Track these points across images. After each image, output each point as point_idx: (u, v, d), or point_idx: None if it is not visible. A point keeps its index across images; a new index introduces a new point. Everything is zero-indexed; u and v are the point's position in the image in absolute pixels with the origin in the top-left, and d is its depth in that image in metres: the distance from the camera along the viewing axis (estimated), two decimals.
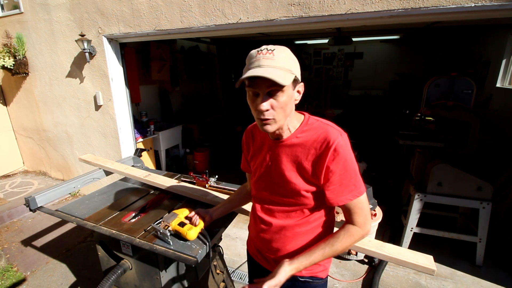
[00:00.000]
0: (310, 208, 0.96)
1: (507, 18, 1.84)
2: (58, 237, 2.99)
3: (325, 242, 0.92)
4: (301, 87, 0.89)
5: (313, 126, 0.93)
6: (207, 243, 1.22)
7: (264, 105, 0.82)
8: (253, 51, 0.84)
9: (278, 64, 0.79)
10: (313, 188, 0.92)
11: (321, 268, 1.04)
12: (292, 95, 0.86)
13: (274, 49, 0.81)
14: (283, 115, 0.85)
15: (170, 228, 1.23)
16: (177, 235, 1.25)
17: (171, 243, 1.21)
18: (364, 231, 0.94)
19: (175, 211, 1.32)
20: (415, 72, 6.74)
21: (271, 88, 0.80)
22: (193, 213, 1.27)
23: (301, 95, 0.91)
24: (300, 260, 0.90)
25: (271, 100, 0.82)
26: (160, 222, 1.28)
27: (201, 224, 1.26)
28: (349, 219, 0.95)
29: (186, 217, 1.29)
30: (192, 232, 1.22)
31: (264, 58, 0.80)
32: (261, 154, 1.04)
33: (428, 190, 2.45)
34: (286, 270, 0.88)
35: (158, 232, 1.25)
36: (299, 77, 0.87)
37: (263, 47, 0.83)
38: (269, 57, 0.80)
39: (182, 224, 1.24)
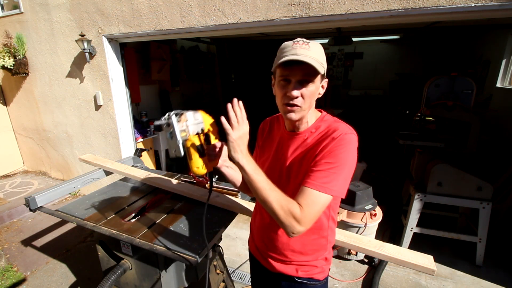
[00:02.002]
0: None
1: (507, 18, 1.84)
2: (58, 237, 2.99)
3: (273, 184, 0.84)
4: (325, 82, 0.93)
5: (328, 122, 0.95)
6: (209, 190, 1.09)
7: (296, 92, 0.85)
8: (288, 42, 0.87)
9: (313, 55, 0.83)
10: None
11: (318, 270, 1.04)
12: (318, 87, 0.90)
13: (309, 42, 0.85)
14: (309, 105, 0.89)
15: (187, 138, 0.90)
16: (186, 153, 0.92)
17: (182, 155, 0.88)
18: (299, 222, 0.79)
19: (202, 112, 0.96)
20: (415, 72, 6.74)
21: (305, 77, 0.84)
22: (219, 144, 1.01)
23: (324, 90, 0.94)
24: (253, 162, 0.84)
25: (302, 88, 0.86)
26: (178, 115, 0.89)
27: (214, 163, 1.00)
28: (297, 201, 0.83)
29: (206, 136, 0.99)
30: (203, 169, 0.95)
31: (301, 48, 0.83)
32: (273, 145, 1.05)
33: (428, 190, 2.45)
34: (242, 147, 0.83)
35: (169, 134, 0.89)
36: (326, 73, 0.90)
37: (299, 38, 0.86)
38: (306, 48, 0.83)
39: (200, 149, 0.93)
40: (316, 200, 0.81)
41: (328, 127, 0.92)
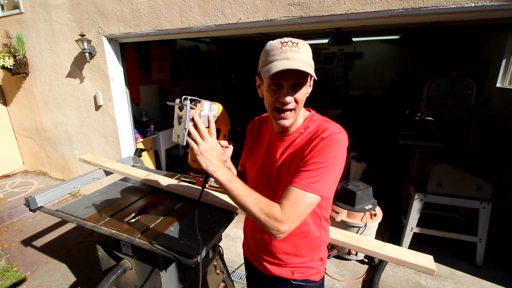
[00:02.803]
0: None
1: (507, 18, 1.84)
2: (58, 237, 2.99)
3: (251, 190, 0.83)
4: (312, 81, 0.90)
5: (317, 122, 0.93)
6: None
7: (289, 98, 0.83)
8: (275, 42, 0.82)
9: (304, 58, 0.80)
10: None
11: (314, 271, 1.03)
12: (308, 88, 0.88)
13: (298, 42, 0.81)
14: (300, 107, 0.88)
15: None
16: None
17: (184, 144, 0.85)
18: (283, 220, 0.77)
19: (219, 106, 0.93)
20: (415, 72, 6.74)
21: (297, 81, 0.82)
22: (225, 143, 0.99)
23: (311, 89, 0.91)
24: (226, 171, 0.83)
25: (294, 93, 0.84)
26: (194, 102, 0.84)
27: None
28: (281, 201, 0.82)
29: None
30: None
31: (291, 51, 0.79)
32: (262, 147, 1.04)
33: (428, 190, 2.45)
34: (212, 159, 0.82)
35: (178, 119, 0.85)
36: None
37: (287, 39, 0.82)
38: (296, 50, 0.80)
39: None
40: (301, 200, 0.79)
41: (318, 127, 0.90)
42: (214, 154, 0.83)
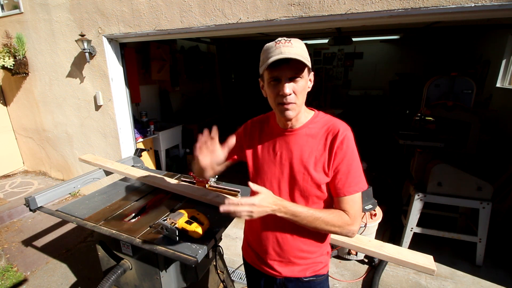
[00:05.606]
0: (324, 200, 0.97)
1: (507, 18, 1.85)
2: (58, 237, 2.99)
3: (315, 209, 0.91)
4: (312, 76, 0.96)
5: (323, 119, 0.99)
6: (215, 241, 1.25)
7: (288, 90, 0.87)
8: (270, 43, 0.89)
9: (297, 51, 0.86)
10: (327, 179, 0.95)
11: (322, 265, 1.07)
12: (307, 81, 0.93)
13: (290, 40, 0.88)
14: (302, 100, 0.92)
15: (177, 225, 1.25)
16: (183, 233, 1.27)
17: (178, 239, 1.23)
18: (353, 225, 0.91)
19: (181, 210, 1.35)
20: (415, 72, 6.74)
21: (293, 74, 0.87)
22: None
23: (312, 83, 0.97)
24: (287, 204, 0.90)
25: (293, 85, 0.88)
26: (166, 219, 1.29)
27: (206, 222, 1.32)
28: (343, 210, 0.94)
29: (192, 217, 1.33)
30: (199, 230, 1.25)
31: (284, 46, 0.85)
32: (267, 145, 1.03)
33: (428, 190, 2.45)
34: (270, 198, 0.89)
35: (165, 229, 1.26)
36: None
37: (280, 38, 0.88)
38: (289, 46, 0.85)
39: (189, 222, 1.29)
40: (355, 199, 0.92)
41: (327, 124, 0.96)
42: (269, 202, 0.88)
